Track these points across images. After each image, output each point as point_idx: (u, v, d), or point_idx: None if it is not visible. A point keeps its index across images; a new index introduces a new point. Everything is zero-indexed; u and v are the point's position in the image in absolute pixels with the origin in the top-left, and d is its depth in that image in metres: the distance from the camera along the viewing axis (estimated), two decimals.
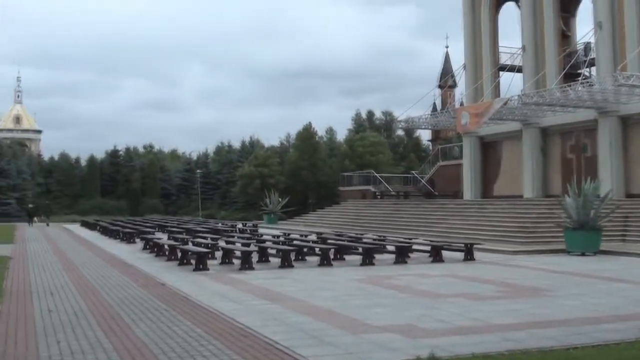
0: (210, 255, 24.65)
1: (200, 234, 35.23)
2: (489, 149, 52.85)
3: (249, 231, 43.21)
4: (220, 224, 51.66)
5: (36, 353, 10.22)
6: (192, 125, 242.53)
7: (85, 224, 63.17)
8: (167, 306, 14.65)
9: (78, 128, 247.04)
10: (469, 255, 26.39)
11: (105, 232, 46.91)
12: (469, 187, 52.71)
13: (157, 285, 18.46)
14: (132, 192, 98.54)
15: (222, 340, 10.94)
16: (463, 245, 27.21)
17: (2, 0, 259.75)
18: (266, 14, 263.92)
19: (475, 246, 27.34)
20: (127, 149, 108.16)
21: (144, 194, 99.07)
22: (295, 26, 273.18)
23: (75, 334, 11.69)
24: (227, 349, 10.25)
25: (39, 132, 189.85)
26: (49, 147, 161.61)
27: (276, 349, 10.31)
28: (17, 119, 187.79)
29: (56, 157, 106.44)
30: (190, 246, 26.70)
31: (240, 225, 50.17)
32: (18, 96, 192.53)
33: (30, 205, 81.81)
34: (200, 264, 22.39)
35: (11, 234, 47.68)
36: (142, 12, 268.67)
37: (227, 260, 24.35)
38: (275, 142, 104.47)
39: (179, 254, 25.14)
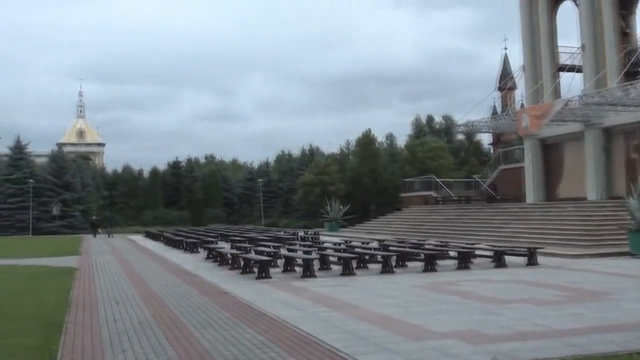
0: (272, 264, 24.82)
1: (262, 243, 35.49)
2: (550, 151, 52.20)
3: (310, 239, 43.36)
4: (282, 232, 51.94)
5: None
6: (252, 134, 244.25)
7: (149, 235, 63.93)
8: (230, 314, 14.80)
9: (140, 140, 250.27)
10: (532, 260, 26.13)
11: (169, 242, 47.43)
12: (531, 190, 52.11)
13: (220, 294, 18.65)
14: (194, 202, 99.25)
15: (284, 347, 11.02)
16: (526, 249, 26.97)
17: (65, 18, 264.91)
18: (322, 21, 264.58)
19: (538, 250, 27.06)
20: (189, 160, 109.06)
21: (206, 204, 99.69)
22: (351, 32, 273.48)
23: (140, 342, 11.89)
24: (289, 357, 10.34)
25: (102, 145, 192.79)
26: (112, 160, 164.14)
27: (338, 356, 10.36)
28: (81, 133, 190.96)
29: (119, 170, 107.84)
30: (252, 255, 26.87)
31: (301, 233, 50.36)
32: (80, 111, 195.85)
33: (94, 217, 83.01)
34: (263, 272, 22.55)
35: (77, 246, 48.49)
36: (201, 25, 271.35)
37: (289, 268, 24.48)
38: (335, 149, 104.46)
39: (242, 263, 25.35)
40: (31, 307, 16.54)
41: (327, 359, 10.20)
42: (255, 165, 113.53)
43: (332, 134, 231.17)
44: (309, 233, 51.48)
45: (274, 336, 12.02)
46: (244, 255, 26.35)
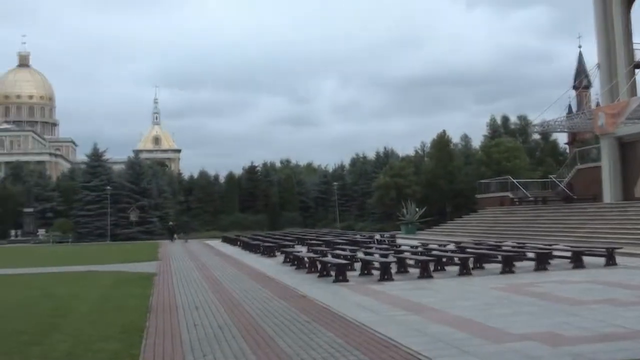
0: (349, 267, 24.89)
1: (339, 246, 35.56)
2: (628, 149, 51.21)
3: (387, 242, 43.28)
4: (358, 236, 51.96)
5: None
6: (326, 138, 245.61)
7: (226, 240, 64.52)
8: (308, 318, 14.91)
9: (216, 146, 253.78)
10: (610, 260, 25.73)
11: (246, 246, 47.81)
12: (608, 189, 51.19)
13: (298, 298, 18.78)
14: (270, 206, 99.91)
15: (363, 351, 11.07)
16: (604, 250, 26.56)
17: (143, 28, 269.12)
18: (395, 24, 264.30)
19: (617, 250, 26.63)
20: (264, 164, 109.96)
21: (282, 208, 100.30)
22: (425, 34, 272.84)
23: (220, 346, 12.06)
24: None
25: (178, 151, 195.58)
26: (187, 166, 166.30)
27: (417, 359, 10.39)
28: (156, 140, 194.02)
29: (195, 175, 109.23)
30: (329, 258, 26.95)
31: (378, 236, 50.29)
32: (156, 118, 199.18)
33: (171, 223, 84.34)
34: (340, 275, 22.63)
35: (155, 252, 49.24)
36: (277, 29, 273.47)
37: (366, 272, 24.46)
38: (410, 152, 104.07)
39: (319, 266, 25.46)
40: (113, 312, 16.90)
41: None
42: (330, 168, 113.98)
43: (407, 136, 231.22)
44: (385, 236, 51.39)
45: (353, 340, 12.07)
46: (321, 258, 26.44)
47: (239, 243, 53.19)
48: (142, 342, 12.73)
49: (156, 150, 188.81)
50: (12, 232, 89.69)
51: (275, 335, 12.95)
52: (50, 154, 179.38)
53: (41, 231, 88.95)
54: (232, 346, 12.04)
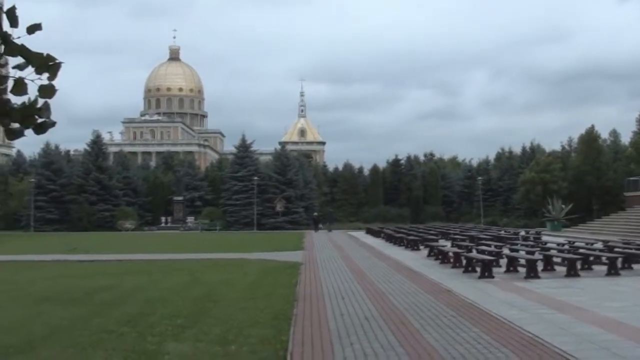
0: (494, 263, 24.72)
1: (484, 242, 35.25)
2: None
3: (532, 239, 42.61)
4: (502, 232, 51.34)
5: (331, 354, 10.87)
6: (472, 132, 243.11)
7: (369, 231, 64.86)
8: (454, 313, 14.94)
9: (361, 139, 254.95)
10: None
11: (390, 239, 47.96)
12: None
13: (443, 292, 18.79)
14: (413, 200, 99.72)
15: (510, 348, 11.05)
16: None
17: (292, 22, 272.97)
18: (549, 17, 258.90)
19: None
20: (408, 158, 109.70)
21: (425, 202, 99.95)
22: (579, 28, 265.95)
23: (367, 337, 12.27)
24: (515, 357, 10.38)
25: (323, 143, 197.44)
26: (332, 158, 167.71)
27: (565, 359, 10.31)
28: (302, 132, 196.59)
29: (340, 168, 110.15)
30: (474, 254, 26.82)
31: (522, 233, 49.57)
32: (302, 110, 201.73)
33: (315, 214, 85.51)
34: (486, 271, 22.50)
35: (300, 241, 50.05)
36: (425, 23, 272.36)
37: (511, 268, 24.22)
38: (557, 147, 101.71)
39: (464, 262, 25.37)
40: (262, 299, 17.38)
41: None
42: (475, 163, 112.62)
43: (556, 130, 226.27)
44: (530, 233, 50.59)
45: (500, 336, 12.06)
46: (466, 254, 26.33)
47: (382, 235, 53.40)
48: (291, 329, 13.10)
49: (301, 142, 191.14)
50: (163, 219, 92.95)
51: (422, 328, 13.06)
52: (199, 145, 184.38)
53: (190, 219, 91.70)
54: (378, 337, 12.23)
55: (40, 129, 5.19)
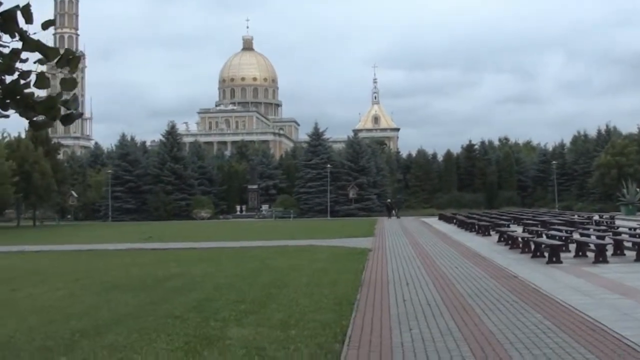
0: (564, 248, 24.46)
1: (555, 226, 34.86)
2: None
3: (605, 223, 42.02)
4: (575, 216, 50.67)
5: (389, 339, 10.95)
6: (548, 116, 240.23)
7: (442, 217, 64.72)
8: (517, 298, 14.86)
9: (435, 125, 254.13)
10: None
11: (462, 225, 47.80)
12: None
13: (509, 277, 18.68)
14: (488, 185, 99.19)
15: (570, 333, 10.95)
16: None
17: (364, 6, 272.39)
18: None
19: None
20: (482, 143, 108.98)
21: (499, 187, 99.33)
22: None
23: (427, 322, 12.31)
24: (574, 343, 10.29)
25: (397, 130, 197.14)
26: (405, 145, 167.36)
27: (625, 345, 10.17)
28: (375, 119, 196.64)
29: (413, 154, 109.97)
30: (543, 239, 26.56)
31: (596, 217, 48.88)
32: (375, 97, 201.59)
33: (389, 200, 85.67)
34: (554, 256, 22.24)
35: (371, 228, 50.19)
36: (502, 6, 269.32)
37: (580, 253, 23.90)
38: (634, 130, 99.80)
39: (532, 247, 25.16)
40: (328, 285, 17.51)
41: (614, 347, 10.03)
42: (550, 147, 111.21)
43: (632, 113, 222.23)
44: (604, 217, 49.84)
45: (561, 322, 11.96)
46: (534, 239, 26.09)
47: (454, 221, 53.23)
48: (352, 314, 13.20)
49: (375, 129, 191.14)
50: (238, 208, 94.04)
51: (483, 313, 13.05)
52: (274, 134, 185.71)
53: (264, 207, 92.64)
54: (438, 322, 12.27)
55: (68, 120, 5.41)
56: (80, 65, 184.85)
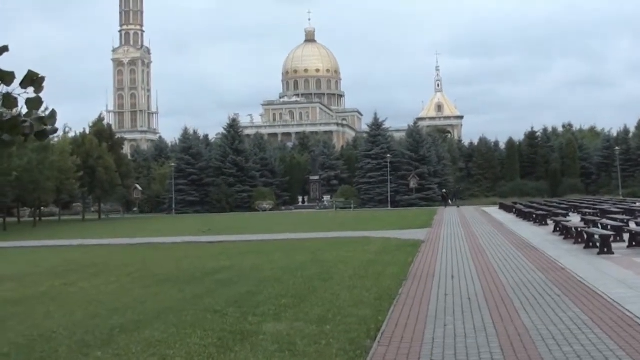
0: (617, 238, 24.05)
1: (612, 215, 34.22)
2: None
3: None
4: (637, 204, 49.70)
5: (421, 335, 10.91)
6: (615, 100, 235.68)
7: (502, 207, 64.04)
8: (560, 291, 14.64)
9: (500, 112, 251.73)
10: None
11: (520, 214, 47.26)
12: None
13: (556, 269, 18.40)
14: (551, 172, 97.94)
15: (605, 329, 10.74)
16: None
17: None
18: None
19: None
20: (545, 130, 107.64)
21: (563, 174, 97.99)
22: None
23: (463, 317, 12.19)
24: (607, 339, 10.08)
25: (460, 118, 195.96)
26: (469, 133, 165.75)
27: None
28: (439, 107, 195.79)
29: (475, 142, 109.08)
30: (595, 229, 26.13)
31: None
32: (438, 85, 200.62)
33: (444, 190, 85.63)
34: (605, 247, 21.82)
35: (430, 218, 49.93)
36: None
37: (634, 243, 23.50)
38: None
39: (585, 237, 24.77)
40: (372, 278, 17.49)
41: None
42: (614, 132, 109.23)
43: None
44: None
45: (598, 316, 11.74)
46: (586, 229, 25.69)
47: (514, 210, 52.65)
48: (391, 309, 13.18)
49: (438, 118, 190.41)
50: (300, 199, 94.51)
51: (521, 308, 12.88)
52: (337, 124, 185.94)
53: (326, 197, 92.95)
54: (475, 317, 12.14)
55: (42, 136, 5.60)
56: (145, 61, 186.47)
